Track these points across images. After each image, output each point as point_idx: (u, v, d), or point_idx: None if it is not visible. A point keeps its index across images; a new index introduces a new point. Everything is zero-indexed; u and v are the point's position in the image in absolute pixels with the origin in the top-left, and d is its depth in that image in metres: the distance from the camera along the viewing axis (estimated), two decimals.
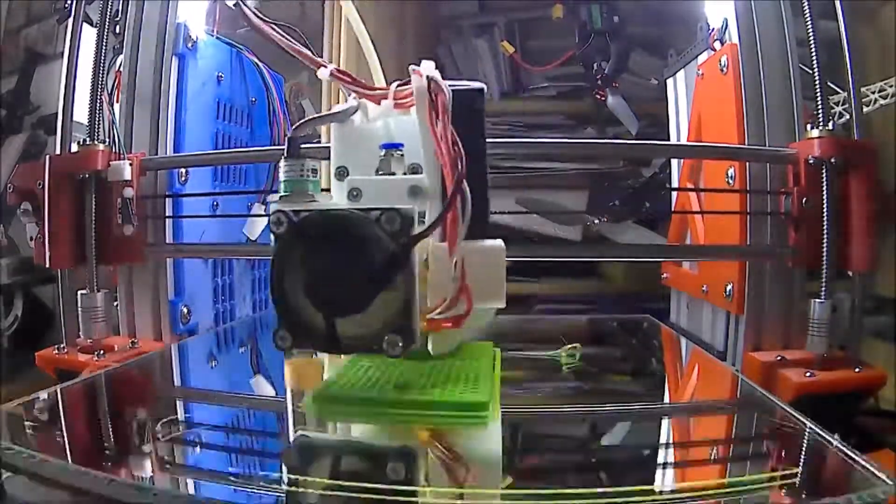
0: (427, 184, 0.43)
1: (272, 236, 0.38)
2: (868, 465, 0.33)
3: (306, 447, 0.40)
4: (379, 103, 0.47)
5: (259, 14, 0.52)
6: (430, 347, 0.43)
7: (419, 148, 0.44)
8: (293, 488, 0.35)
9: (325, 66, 0.48)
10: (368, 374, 0.46)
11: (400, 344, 0.37)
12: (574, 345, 0.62)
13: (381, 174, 0.45)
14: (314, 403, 0.44)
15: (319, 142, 0.49)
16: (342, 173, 0.48)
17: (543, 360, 0.61)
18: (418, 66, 0.43)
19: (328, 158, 0.49)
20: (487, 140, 0.46)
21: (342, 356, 0.48)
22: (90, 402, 0.51)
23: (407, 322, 0.37)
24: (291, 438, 0.42)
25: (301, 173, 0.43)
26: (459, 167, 0.38)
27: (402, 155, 0.45)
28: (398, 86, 0.45)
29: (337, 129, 0.49)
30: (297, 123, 0.45)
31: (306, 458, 0.39)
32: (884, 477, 0.31)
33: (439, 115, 0.40)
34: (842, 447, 0.36)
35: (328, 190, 0.49)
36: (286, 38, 0.50)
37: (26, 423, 0.43)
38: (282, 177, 0.43)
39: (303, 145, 0.44)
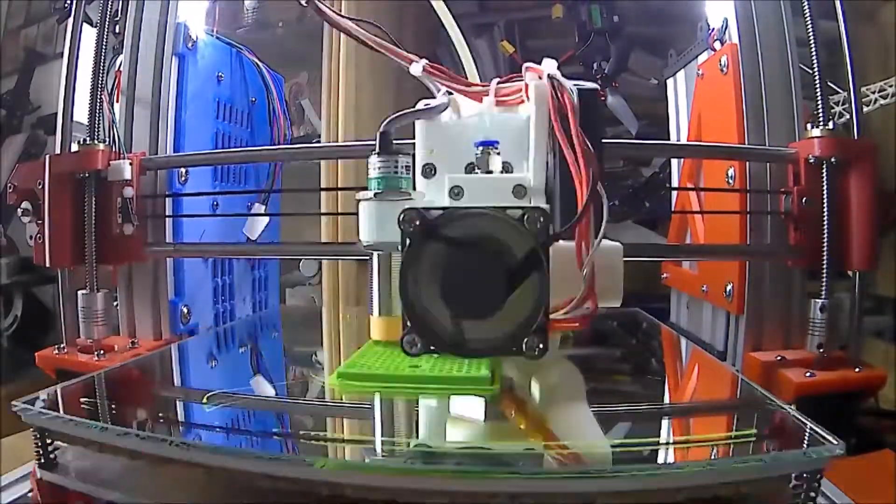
0: (532, 182, 0.42)
1: (398, 235, 0.37)
2: (821, 430, 0.36)
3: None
4: (480, 100, 0.47)
5: (337, 12, 0.51)
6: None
7: (510, 146, 0.44)
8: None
9: (417, 62, 0.47)
10: (384, 357, 0.47)
11: (540, 345, 0.36)
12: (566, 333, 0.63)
13: (477, 171, 0.44)
14: (339, 379, 0.45)
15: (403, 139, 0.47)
16: (430, 170, 0.47)
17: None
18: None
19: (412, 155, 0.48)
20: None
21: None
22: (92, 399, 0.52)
23: (544, 323, 0.36)
24: None
25: (395, 169, 0.42)
26: (594, 169, 0.38)
27: (498, 153, 0.44)
28: (499, 83, 0.45)
29: (423, 125, 0.48)
30: (388, 118, 0.44)
31: None
32: (830, 438, 0.35)
33: (567, 116, 0.40)
34: (797, 416, 0.40)
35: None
36: (370, 35, 0.49)
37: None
38: (373, 173, 0.43)
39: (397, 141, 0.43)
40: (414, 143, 0.48)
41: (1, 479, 0.55)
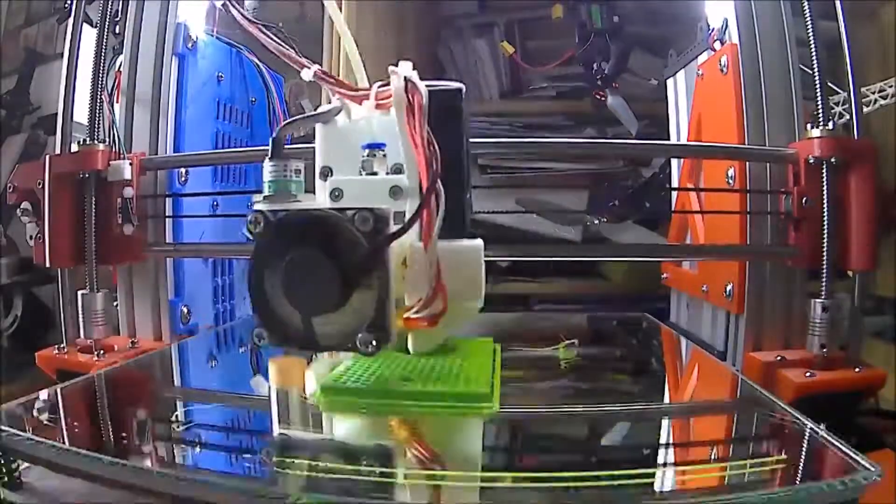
0: (407, 184, 0.43)
1: (249, 235, 0.39)
2: (853, 454, 0.34)
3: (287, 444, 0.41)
4: (361, 104, 0.47)
5: (245, 14, 0.53)
6: (409, 346, 0.44)
7: (400, 148, 0.44)
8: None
9: (309, 67, 0.48)
10: (373, 368, 0.47)
11: (373, 342, 0.37)
12: (572, 340, 0.63)
13: (364, 174, 0.45)
14: (323, 395, 0.44)
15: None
16: (326, 173, 0.48)
17: (543, 358, 0.61)
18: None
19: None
20: (490, 140, 0.46)
21: (324, 354, 0.48)
22: (91, 401, 0.52)
23: (381, 320, 0.37)
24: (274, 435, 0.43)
25: (284, 174, 0.43)
26: (434, 167, 0.39)
27: (384, 155, 0.46)
28: (379, 86, 0.46)
29: (322, 129, 0.49)
30: (282, 124, 0.46)
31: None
32: (867, 464, 0.33)
33: (415, 115, 0.41)
34: (828, 437, 0.38)
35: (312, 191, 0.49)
36: (272, 38, 0.51)
37: (30, 417, 0.44)
38: (266, 177, 0.44)
39: (291, 145, 0.44)
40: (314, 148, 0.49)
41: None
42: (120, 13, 0.75)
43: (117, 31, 0.75)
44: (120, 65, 0.75)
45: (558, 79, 1.35)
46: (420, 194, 0.39)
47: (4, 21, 1.59)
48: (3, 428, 0.40)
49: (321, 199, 0.47)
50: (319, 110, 0.49)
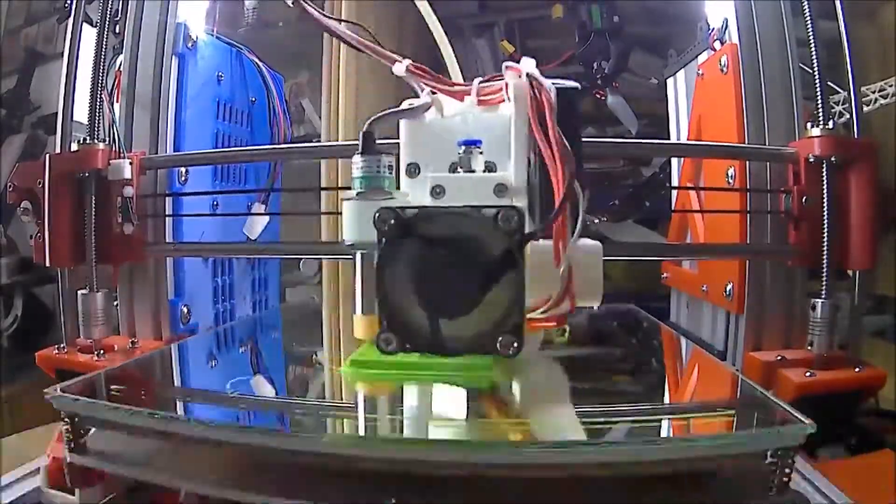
0: (513, 182, 0.42)
1: (375, 234, 0.37)
2: (795, 412, 0.38)
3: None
4: (462, 99, 0.47)
5: (323, 13, 0.51)
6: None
7: (494, 145, 0.44)
8: None
9: (401, 62, 0.47)
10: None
11: (515, 344, 0.36)
12: (563, 327, 0.63)
13: (461, 171, 0.44)
14: (352, 367, 0.47)
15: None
16: (413, 170, 0.47)
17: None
18: (515, 62, 0.43)
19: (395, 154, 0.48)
20: None
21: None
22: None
23: (519, 322, 0.36)
24: None
25: (378, 169, 0.42)
26: (570, 167, 0.38)
27: (481, 152, 0.45)
28: (481, 82, 0.45)
29: (407, 125, 0.48)
30: (372, 118, 0.45)
31: None
32: (804, 419, 0.37)
33: (545, 114, 0.40)
34: (773, 398, 0.43)
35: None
36: (355, 36, 0.49)
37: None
38: (356, 173, 0.43)
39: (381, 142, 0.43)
40: (398, 143, 0.48)
41: (1, 479, 0.55)
42: (120, 13, 0.75)
43: (117, 30, 0.75)
44: (120, 64, 0.75)
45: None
46: (541, 195, 0.39)
47: (4, 21, 1.59)
48: (75, 397, 0.43)
49: (412, 196, 0.46)
50: (409, 104, 0.48)
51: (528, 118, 0.41)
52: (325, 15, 0.51)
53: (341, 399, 0.51)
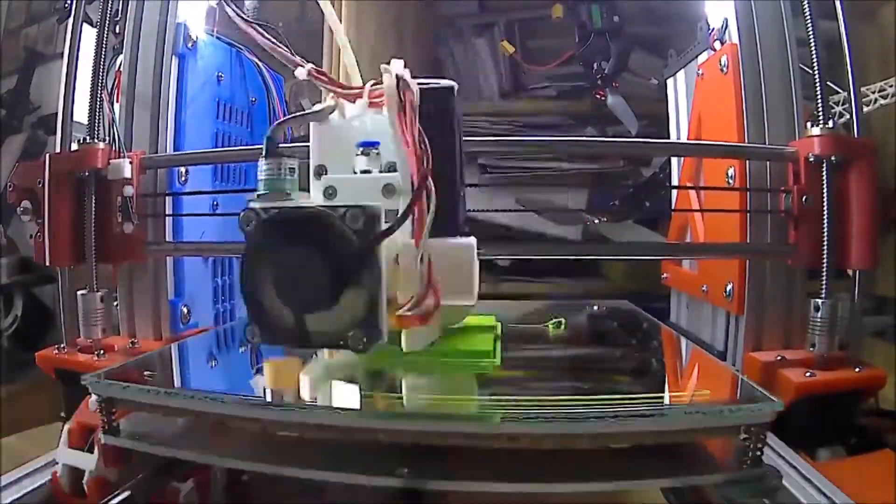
0: (401, 182, 0.44)
1: (242, 233, 0.39)
2: (766, 393, 0.42)
3: None
4: (354, 102, 0.48)
5: (241, 13, 0.53)
6: (403, 344, 0.45)
7: (393, 146, 0.44)
8: None
9: (303, 66, 0.48)
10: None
11: (364, 339, 0.38)
12: (559, 318, 0.65)
13: (358, 172, 0.45)
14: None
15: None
16: (321, 172, 0.48)
17: (541, 358, 0.62)
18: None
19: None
20: (490, 139, 0.47)
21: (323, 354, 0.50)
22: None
23: (372, 318, 0.38)
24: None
25: (278, 172, 0.43)
26: (425, 164, 0.39)
27: (378, 153, 0.46)
28: (372, 85, 0.46)
29: (316, 128, 0.49)
30: (275, 123, 0.46)
31: None
32: (774, 398, 0.41)
33: (406, 113, 0.41)
34: (747, 380, 0.48)
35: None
36: (267, 37, 0.51)
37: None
38: (259, 176, 0.44)
39: (289, 144, 0.44)
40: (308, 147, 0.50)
41: (1, 478, 0.55)
42: (120, 13, 0.75)
43: (117, 30, 0.75)
44: (120, 64, 0.75)
45: (558, 78, 1.35)
46: (412, 192, 0.40)
47: (4, 21, 1.60)
48: (109, 381, 0.46)
49: (315, 198, 0.47)
50: (313, 109, 0.49)
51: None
52: (241, 17, 0.54)
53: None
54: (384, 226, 0.38)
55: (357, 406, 0.44)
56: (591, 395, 0.45)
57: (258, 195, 0.44)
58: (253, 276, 0.39)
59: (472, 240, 0.44)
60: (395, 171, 0.46)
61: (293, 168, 0.44)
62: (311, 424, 0.40)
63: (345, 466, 0.40)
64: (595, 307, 0.85)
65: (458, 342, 0.50)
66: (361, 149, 0.46)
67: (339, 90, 0.48)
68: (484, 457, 0.40)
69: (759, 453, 0.40)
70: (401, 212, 0.42)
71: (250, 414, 0.43)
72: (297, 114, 0.50)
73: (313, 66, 0.48)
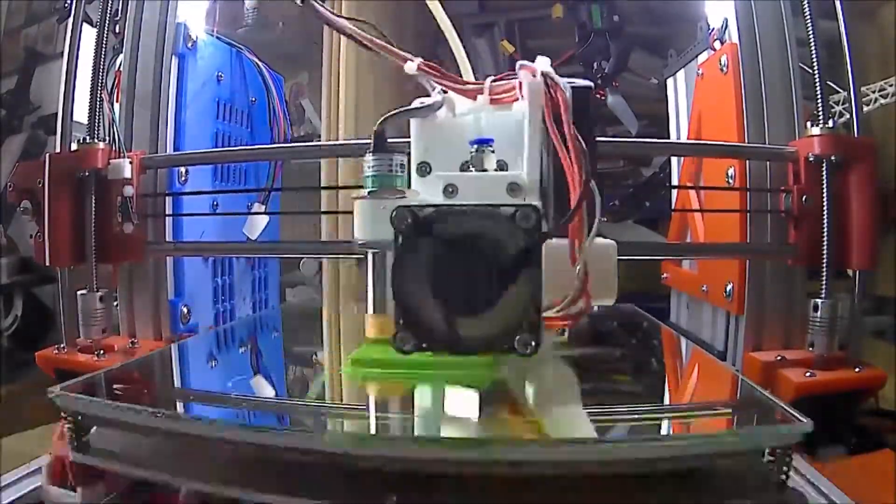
0: (526, 181, 0.42)
1: (391, 233, 0.37)
2: (793, 412, 0.38)
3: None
4: (474, 98, 0.47)
5: (333, 11, 0.51)
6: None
7: (506, 144, 0.44)
8: None
9: (413, 60, 0.47)
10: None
11: (532, 342, 0.36)
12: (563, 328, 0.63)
13: (472, 170, 0.44)
14: (354, 365, 0.47)
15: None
16: (424, 169, 0.47)
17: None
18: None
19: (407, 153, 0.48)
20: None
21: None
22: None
23: (537, 320, 0.36)
24: None
25: (390, 168, 0.42)
26: (586, 166, 0.38)
27: (493, 151, 0.44)
28: (493, 80, 0.45)
29: (418, 124, 0.48)
30: (383, 117, 0.44)
31: None
32: (801, 417, 0.37)
33: (561, 113, 0.40)
34: (770, 397, 0.43)
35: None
36: (366, 34, 0.49)
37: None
38: (368, 172, 0.43)
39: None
40: (409, 142, 0.48)
41: (1, 478, 0.55)
42: (120, 13, 0.75)
43: (117, 30, 0.75)
44: (120, 64, 0.75)
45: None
46: (556, 194, 0.39)
47: (4, 21, 1.60)
48: (77, 395, 0.44)
49: (424, 195, 0.45)
50: (420, 103, 0.48)
51: (543, 117, 0.41)
52: (336, 15, 0.51)
53: (342, 399, 0.50)
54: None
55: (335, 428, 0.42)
56: (604, 414, 0.43)
57: (368, 191, 0.43)
58: (404, 277, 0.37)
59: (613, 241, 0.43)
60: (504, 169, 0.45)
61: (403, 164, 0.43)
62: (287, 448, 0.38)
63: (327, 492, 0.37)
64: (614, 323, 0.84)
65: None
66: (475, 146, 0.44)
67: (456, 85, 0.47)
68: (478, 483, 0.36)
69: (784, 477, 0.37)
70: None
71: (220, 435, 0.40)
72: (404, 108, 0.47)
73: (423, 60, 0.47)
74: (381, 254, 0.46)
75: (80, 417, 0.43)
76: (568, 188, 0.39)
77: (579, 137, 0.39)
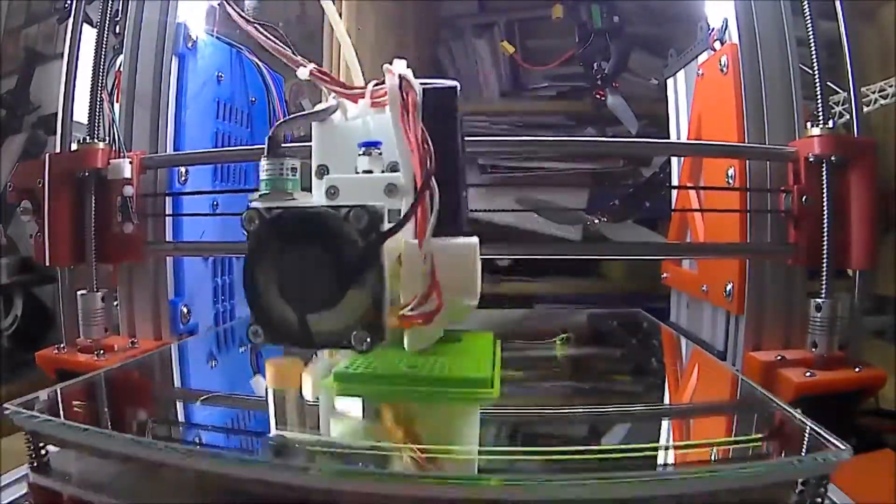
0: (403, 182, 0.43)
1: (245, 233, 0.38)
2: (830, 437, 0.36)
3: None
4: (357, 102, 0.48)
5: (242, 13, 0.53)
6: (405, 344, 0.44)
7: (395, 146, 0.44)
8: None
9: (305, 66, 0.48)
10: (378, 361, 0.48)
11: (368, 339, 0.37)
12: (567, 334, 0.64)
13: (360, 172, 0.45)
14: (336, 382, 0.45)
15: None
16: (322, 172, 0.48)
17: (541, 358, 0.61)
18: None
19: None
20: (490, 139, 0.46)
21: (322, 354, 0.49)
22: (98, 399, 0.52)
23: (376, 318, 0.37)
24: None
25: (280, 172, 0.43)
26: (428, 164, 0.39)
27: (380, 153, 0.46)
28: (374, 85, 0.46)
29: (317, 127, 0.49)
30: (277, 123, 0.46)
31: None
32: (840, 444, 0.35)
33: (409, 113, 0.41)
34: (803, 419, 0.40)
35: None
36: (269, 37, 0.51)
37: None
38: (262, 175, 0.44)
39: (290, 144, 0.44)
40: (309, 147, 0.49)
41: (1, 479, 0.55)
42: (120, 13, 0.75)
43: (117, 31, 0.75)
44: (120, 64, 0.75)
45: (558, 78, 1.35)
46: (415, 192, 0.40)
47: (4, 21, 1.60)
48: (32, 413, 0.41)
49: (318, 198, 0.47)
50: (315, 109, 0.49)
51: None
52: (244, 17, 0.53)
53: (317, 423, 0.46)
54: (387, 225, 0.38)
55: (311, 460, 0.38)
56: (614, 432, 0.42)
57: (260, 195, 0.44)
58: (255, 276, 0.39)
59: (475, 239, 0.44)
60: (397, 171, 0.45)
61: (295, 168, 0.44)
62: (248, 479, 0.36)
63: None
64: (614, 323, 0.83)
65: (451, 364, 0.47)
66: (363, 149, 0.46)
67: (341, 90, 0.48)
68: None
69: None
70: (403, 212, 0.42)
71: (179, 462, 0.38)
72: (299, 114, 0.50)
73: (315, 66, 0.49)
74: None
75: (37, 437, 0.41)
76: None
77: (427, 137, 0.40)
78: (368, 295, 0.37)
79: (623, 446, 0.40)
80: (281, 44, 0.51)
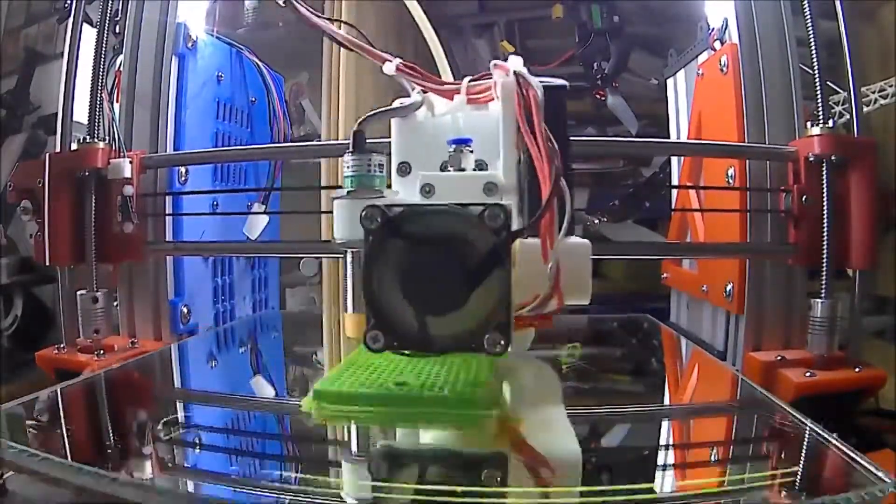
0: (503, 180, 0.42)
1: (363, 232, 0.37)
2: (867, 464, 0.33)
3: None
4: (451, 98, 0.47)
5: (314, 11, 0.51)
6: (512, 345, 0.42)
7: (485, 144, 0.44)
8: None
9: (391, 61, 0.47)
10: (366, 374, 0.46)
11: (501, 342, 0.36)
12: (574, 344, 0.63)
13: (450, 170, 0.44)
14: (316, 401, 0.42)
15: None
16: (405, 169, 0.47)
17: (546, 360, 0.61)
18: (502, 61, 0.43)
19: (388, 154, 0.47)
20: None
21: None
22: (90, 402, 0.51)
23: (505, 319, 0.36)
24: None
25: (368, 168, 0.42)
26: (556, 164, 0.38)
27: (471, 151, 0.44)
28: (470, 80, 0.45)
29: (398, 124, 0.48)
30: (363, 117, 0.44)
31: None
32: (882, 475, 0.32)
33: (532, 112, 0.40)
34: (841, 446, 0.37)
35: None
36: (346, 36, 0.49)
37: (27, 422, 0.43)
38: (347, 172, 0.42)
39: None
40: (390, 142, 0.48)
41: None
42: (120, 13, 0.75)
43: (117, 30, 0.75)
44: (120, 64, 0.75)
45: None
46: (530, 193, 0.39)
47: (4, 21, 1.59)
48: None
49: (403, 195, 0.45)
50: (398, 104, 0.47)
51: (516, 116, 0.41)
52: (316, 14, 0.51)
53: (298, 449, 0.45)
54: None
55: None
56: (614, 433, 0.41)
57: (347, 191, 0.42)
58: (374, 277, 0.37)
59: (587, 240, 0.42)
60: (483, 169, 0.44)
61: (382, 164, 0.43)
62: None
63: None
64: (615, 324, 0.82)
65: (447, 375, 0.44)
66: (453, 146, 0.44)
67: (434, 86, 0.47)
68: None
69: None
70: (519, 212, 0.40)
71: (127, 496, 0.34)
72: (383, 108, 0.47)
73: (402, 61, 0.47)
74: (360, 253, 0.45)
75: None
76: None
77: (551, 136, 0.39)
78: (494, 296, 0.36)
79: (641, 486, 0.37)
80: (360, 39, 0.49)
